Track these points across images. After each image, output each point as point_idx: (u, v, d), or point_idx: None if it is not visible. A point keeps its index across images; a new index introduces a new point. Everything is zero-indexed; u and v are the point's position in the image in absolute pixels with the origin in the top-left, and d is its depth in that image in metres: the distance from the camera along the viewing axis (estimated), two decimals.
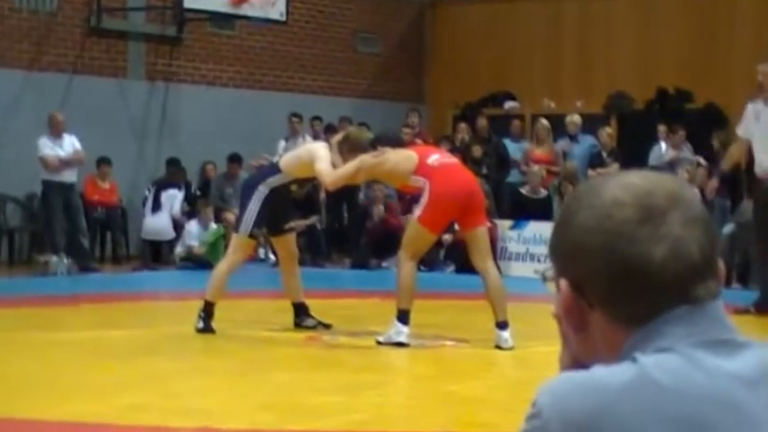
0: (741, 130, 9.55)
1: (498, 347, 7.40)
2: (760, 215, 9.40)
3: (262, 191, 8.01)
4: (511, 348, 7.36)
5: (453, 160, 8.05)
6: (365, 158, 7.70)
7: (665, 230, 1.33)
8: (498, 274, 7.89)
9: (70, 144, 13.27)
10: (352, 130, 8.41)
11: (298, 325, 8.26)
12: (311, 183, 8.42)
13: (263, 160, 8.48)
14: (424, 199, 7.49)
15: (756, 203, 9.42)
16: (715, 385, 1.30)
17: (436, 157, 7.76)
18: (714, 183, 9.76)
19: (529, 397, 1.33)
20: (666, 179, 1.39)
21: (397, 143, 8.43)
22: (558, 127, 15.00)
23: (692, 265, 1.34)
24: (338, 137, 8.17)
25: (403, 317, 7.52)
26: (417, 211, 7.59)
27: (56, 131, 13.26)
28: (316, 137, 14.58)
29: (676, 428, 1.27)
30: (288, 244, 8.41)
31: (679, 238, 1.34)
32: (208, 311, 7.99)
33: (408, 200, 14.19)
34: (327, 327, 8.24)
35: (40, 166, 13.11)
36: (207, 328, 7.96)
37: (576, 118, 15.07)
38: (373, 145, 7.94)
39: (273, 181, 8.03)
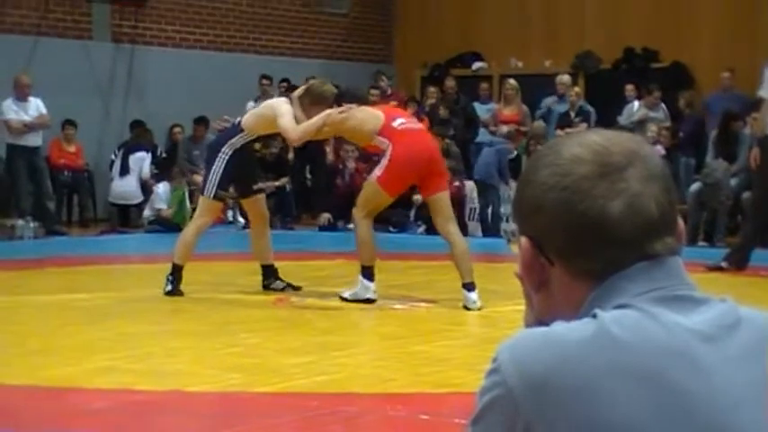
0: (764, 92, 9.58)
1: (466, 308, 7.46)
2: (765, 169, 9.43)
3: (225, 152, 7.97)
4: (478, 309, 7.42)
5: (418, 126, 8.09)
6: (331, 113, 7.69)
7: (623, 186, 1.35)
8: (462, 236, 7.93)
9: (35, 107, 13.16)
10: (313, 82, 8.25)
11: (266, 287, 8.26)
12: (274, 140, 8.39)
13: (226, 122, 8.40)
14: (385, 161, 7.58)
15: (765, 157, 9.42)
16: (672, 339, 1.32)
17: (402, 120, 7.79)
18: (756, 151, 9.69)
19: None
20: (625, 137, 1.41)
21: (363, 101, 8.40)
22: (530, 86, 15.01)
23: (649, 221, 1.35)
24: (299, 91, 8.09)
25: (367, 273, 7.66)
26: (377, 171, 7.66)
27: (21, 94, 13.14)
28: None
29: (634, 382, 1.29)
30: (258, 205, 8.39)
31: (637, 193, 1.35)
32: (176, 274, 7.99)
33: (374, 161, 14.20)
34: (297, 289, 8.26)
35: (4, 129, 13.00)
36: (175, 291, 7.95)
37: (567, 78, 15.10)
38: (338, 101, 7.92)
39: (236, 141, 7.98)
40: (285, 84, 15.63)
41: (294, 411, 4.69)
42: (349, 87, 8.55)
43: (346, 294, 7.71)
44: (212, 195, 8.05)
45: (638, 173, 1.36)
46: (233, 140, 8.00)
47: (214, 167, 7.99)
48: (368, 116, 7.77)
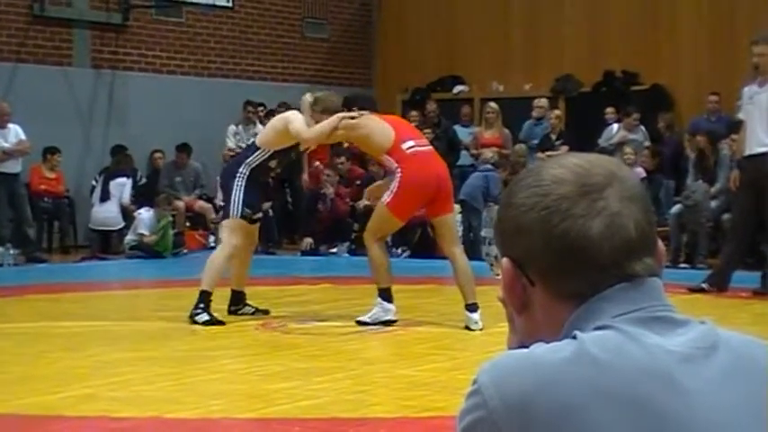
0: (742, 115, 9.64)
1: (468, 329, 7.53)
2: (744, 191, 9.46)
3: (243, 172, 7.92)
4: (480, 329, 7.45)
5: (427, 147, 8.00)
6: (344, 117, 7.75)
7: (602, 205, 1.36)
8: (466, 258, 7.94)
9: (14, 134, 13.11)
10: (319, 94, 8.32)
11: (234, 312, 8.15)
12: (290, 155, 8.32)
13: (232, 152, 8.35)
14: (395, 186, 7.61)
15: (745, 178, 9.46)
16: (652, 361, 1.31)
17: (411, 144, 7.76)
18: (735, 173, 9.74)
19: None
20: (604, 159, 1.42)
21: (373, 107, 8.37)
22: (510, 109, 15.05)
23: (628, 241, 1.36)
24: (309, 98, 8.13)
25: (385, 295, 7.75)
26: (387, 197, 7.67)
27: (0, 121, 13.09)
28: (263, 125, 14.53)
29: (614, 403, 1.28)
30: (255, 232, 8.33)
31: (615, 213, 1.36)
32: (206, 302, 7.74)
33: (357, 186, 14.19)
34: (265, 312, 8.18)
35: None
36: (213, 320, 7.68)
37: (544, 101, 15.19)
38: (348, 105, 7.94)
39: (252, 160, 7.95)
40: (262, 108, 15.62)
41: None
42: (359, 93, 8.59)
43: (366, 318, 7.72)
44: (239, 214, 7.90)
45: (616, 193, 1.37)
46: (248, 160, 7.96)
47: (234, 190, 7.89)
48: (378, 129, 7.76)
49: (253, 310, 8.20)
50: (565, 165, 1.39)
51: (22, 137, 13.10)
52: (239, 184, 7.89)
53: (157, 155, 15.40)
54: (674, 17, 16.16)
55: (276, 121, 8.19)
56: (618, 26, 16.45)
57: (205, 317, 7.71)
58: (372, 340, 7.44)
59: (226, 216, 8.07)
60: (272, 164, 8.11)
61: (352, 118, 7.75)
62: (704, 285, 9.50)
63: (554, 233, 1.35)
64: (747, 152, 9.36)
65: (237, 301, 8.23)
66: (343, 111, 7.85)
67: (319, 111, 7.86)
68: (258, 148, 8.00)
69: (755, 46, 9.36)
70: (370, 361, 6.73)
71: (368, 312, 7.78)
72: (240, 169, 7.94)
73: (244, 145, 8.17)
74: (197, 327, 7.68)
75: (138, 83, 15.65)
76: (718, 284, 9.51)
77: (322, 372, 6.06)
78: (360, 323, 7.72)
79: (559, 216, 1.35)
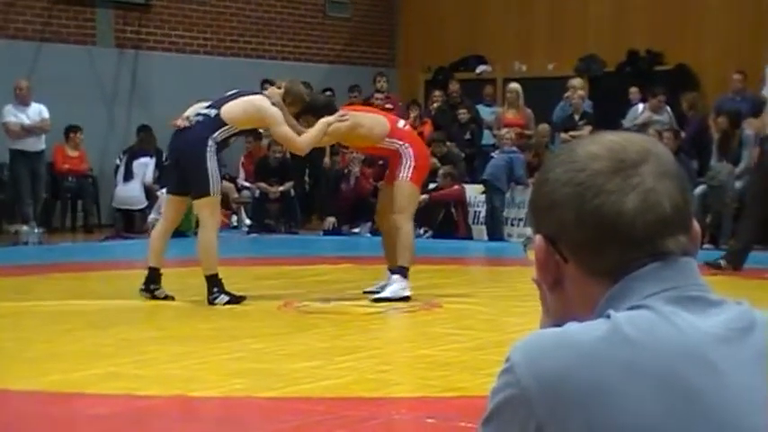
0: (766, 91, 9.61)
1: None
2: (761, 170, 9.43)
3: (211, 146, 7.73)
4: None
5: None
6: (331, 121, 7.83)
7: (637, 181, 1.35)
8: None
9: (37, 112, 13.16)
10: (287, 83, 8.15)
11: (149, 291, 7.96)
12: (251, 133, 8.29)
13: (185, 121, 7.93)
14: (410, 161, 7.94)
15: (764, 158, 9.43)
16: (686, 340, 1.31)
17: (402, 122, 8.35)
18: (756, 150, 9.68)
19: (502, 360, 1.33)
20: (639, 136, 1.42)
21: (334, 110, 8.34)
22: (534, 89, 14.97)
23: (662, 217, 1.35)
24: (276, 92, 8.02)
25: (405, 272, 7.93)
26: (407, 172, 7.93)
27: (21, 100, 13.15)
28: None
29: (648, 383, 1.28)
30: (185, 206, 8.18)
31: (650, 189, 1.35)
32: (219, 284, 7.72)
33: (381, 165, 14.19)
34: (172, 299, 7.98)
35: (5, 134, 13.03)
36: (235, 298, 7.70)
37: (576, 82, 14.99)
38: (312, 113, 7.93)
39: (218, 135, 7.77)
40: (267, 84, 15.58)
41: (299, 416, 4.67)
42: (317, 99, 8.52)
43: (386, 294, 7.81)
44: (219, 192, 7.84)
45: (651, 169, 1.36)
46: (215, 135, 7.76)
47: (209, 164, 7.69)
48: (372, 120, 8.07)
49: (165, 294, 7.96)
50: (600, 141, 1.39)
51: (46, 116, 13.14)
52: (211, 158, 7.70)
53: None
54: None
55: (248, 105, 7.85)
56: (642, 5, 16.34)
57: (225, 298, 7.71)
58: (394, 320, 7.46)
59: (202, 193, 7.75)
60: (232, 140, 8.09)
61: (341, 120, 7.86)
62: (722, 262, 9.49)
63: (587, 208, 1.35)
64: None
65: (157, 279, 8.02)
66: (324, 114, 7.89)
67: (289, 102, 7.84)
68: (224, 124, 7.77)
69: None
70: (392, 341, 6.74)
71: (384, 290, 7.81)
72: (209, 143, 7.72)
73: None
74: (218, 306, 7.70)
75: (160, 62, 15.67)
76: (734, 263, 9.49)
77: (344, 351, 6.08)
78: (378, 300, 7.75)
79: (593, 191, 1.35)
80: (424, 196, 12.39)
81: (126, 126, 15.28)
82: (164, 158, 15.07)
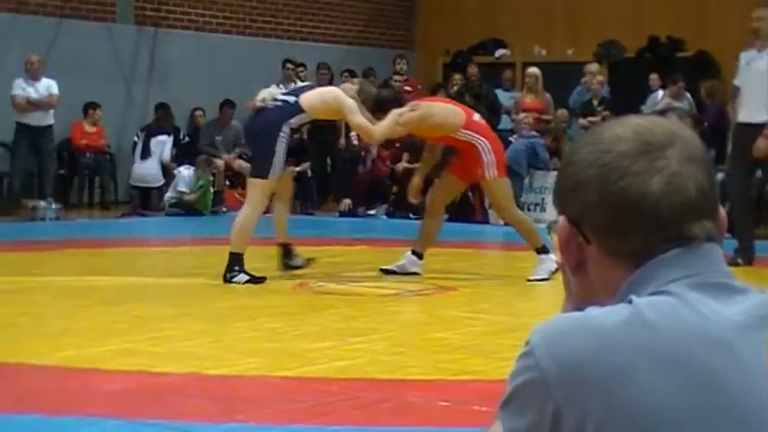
0: (738, 80, 9.51)
1: None
2: (738, 158, 9.40)
3: (285, 132, 7.82)
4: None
5: None
6: (404, 112, 7.93)
7: (663, 164, 1.34)
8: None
9: (46, 87, 13.15)
10: (362, 84, 8.60)
11: (289, 266, 8.24)
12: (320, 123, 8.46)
13: (261, 102, 8.13)
14: (490, 155, 8.04)
15: (738, 146, 9.40)
16: (708, 326, 1.30)
17: (477, 115, 8.34)
18: (764, 141, 9.55)
19: (516, 344, 1.33)
20: (666, 120, 1.42)
21: (400, 102, 8.49)
22: (553, 74, 14.92)
23: (687, 201, 1.34)
24: (351, 86, 8.29)
25: (545, 250, 7.95)
26: (491, 171, 8.06)
27: (32, 74, 13.15)
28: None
29: (669, 368, 1.28)
30: (290, 182, 8.31)
31: (676, 173, 1.34)
32: (241, 264, 7.73)
33: (397, 148, 14.17)
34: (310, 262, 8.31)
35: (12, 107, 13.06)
36: (253, 279, 7.72)
37: (593, 67, 14.94)
38: (381, 108, 8.02)
39: (295, 121, 7.89)
40: (303, 69, 15.58)
41: (313, 396, 4.68)
42: (386, 94, 8.63)
43: (539, 275, 7.93)
44: (274, 177, 7.85)
45: (678, 153, 1.35)
46: (291, 120, 7.85)
47: (278, 148, 7.75)
48: (447, 110, 8.17)
49: (303, 261, 8.27)
50: (626, 124, 1.39)
51: (55, 91, 13.13)
52: (282, 144, 7.80)
53: (198, 113, 15.44)
54: None
55: (327, 94, 8.01)
56: None
57: (245, 277, 7.72)
58: (409, 303, 7.46)
59: (261, 174, 7.87)
60: (305, 127, 8.24)
61: (412, 110, 7.97)
62: (739, 260, 9.34)
63: (612, 189, 1.34)
64: (742, 119, 9.24)
65: (289, 253, 8.29)
66: (397, 105, 8.05)
67: (362, 100, 7.96)
68: (302, 111, 7.89)
69: (758, 10, 9.25)
70: (407, 323, 6.74)
71: (537, 271, 7.96)
72: (283, 128, 7.82)
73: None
74: (234, 285, 7.71)
75: (180, 40, 15.67)
76: (746, 257, 9.40)
77: (358, 332, 6.08)
78: (531, 281, 7.91)
79: (618, 173, 1.34)
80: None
81: (144, 103, 15.29)
82: (181, 136, 15.12)
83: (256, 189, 7.95)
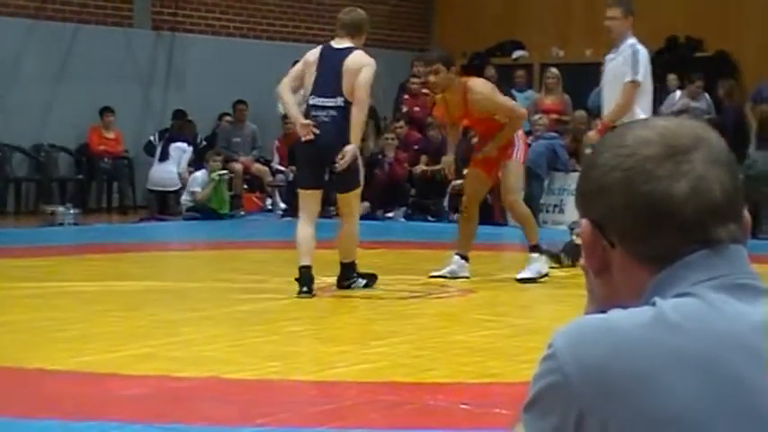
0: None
1: None
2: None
3: None
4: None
5: None
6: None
7: (688, 168, 1.33)
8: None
9: None
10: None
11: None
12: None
13: (310, 128, 7.62)
14: (519, 142, 8.28)
15: None
16: (732, 328, 1.29)
17: None
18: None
19: (537, 347, 1.30)
20: (692, 123, 1.40)
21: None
22: (570, 75, 14.87)
23: (713, 205, 1.33)
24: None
25: (539, 249, 8.17)
26: (520, 153, 8.24)
27: None
28: None
29: (693, 370, 1.26)
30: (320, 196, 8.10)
31: (701, 176, 1.33)
32: (355, 269, 7.83)
33: (415, 150, 14.15)
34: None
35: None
36: (369, 281, 7.83)
37: None
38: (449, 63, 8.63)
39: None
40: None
41: (333, 400, 4.66)
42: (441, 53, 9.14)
43: (527, 273, 8.00)
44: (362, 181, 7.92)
45: (703, 156, 1.34)
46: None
47: (359, 158, 7.80)
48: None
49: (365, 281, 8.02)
50: (651, 126, 1.37)
51: None
52: (358, 151, 7.77)
53: (227, 118, 15.38)
54: None
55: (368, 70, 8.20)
56: None
57: (362, 281, 7.81)
58: (428, 306, 7.43)
59: (354, 188, 7.87)
60: None
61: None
62: None
63: (636, 193, 1.33)
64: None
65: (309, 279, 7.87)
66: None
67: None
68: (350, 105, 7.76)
69: (608, 8, 9.31)
70: (427, 326, 6.72)
71: (526, 269, 8.04)
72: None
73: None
74: (255, 288, 7.70)
75: (197, 45, 15.70)
76: None
77: (378, 336, 6.06)
78: (521, 280, 7.96)
79: (643, 177, 1.33)
80: (459, 181, 12.36)
81: (162, 108, 15.32)
82: (198, 140, 15.12)
83: (354, 200, 8.08)
